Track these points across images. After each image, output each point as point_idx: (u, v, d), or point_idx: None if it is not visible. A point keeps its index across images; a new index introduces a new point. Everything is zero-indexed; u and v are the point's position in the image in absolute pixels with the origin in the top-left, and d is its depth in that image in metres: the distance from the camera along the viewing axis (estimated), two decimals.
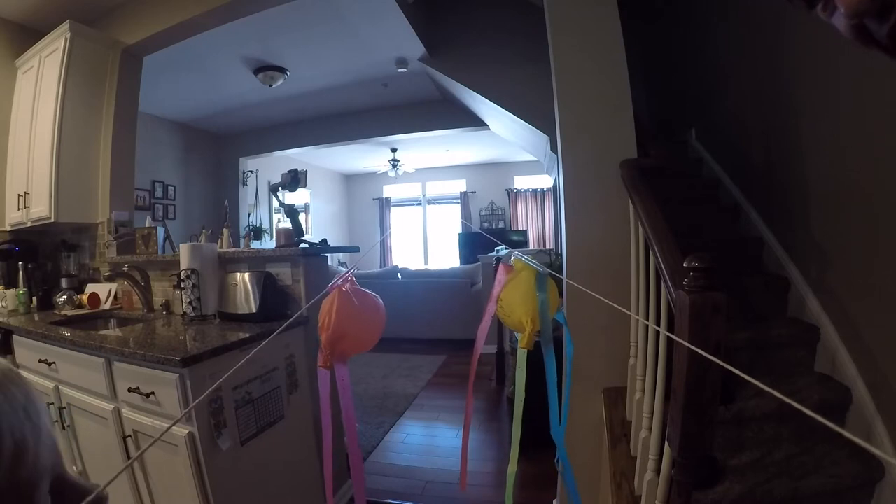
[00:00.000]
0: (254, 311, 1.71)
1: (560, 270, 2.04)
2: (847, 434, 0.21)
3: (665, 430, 1.01)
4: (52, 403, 1.65)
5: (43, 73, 2.43)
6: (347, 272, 0.46)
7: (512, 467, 0.45)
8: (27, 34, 2.64)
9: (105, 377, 1.46)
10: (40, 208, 2.35)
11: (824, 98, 1.60)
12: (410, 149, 6.57)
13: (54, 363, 1.65)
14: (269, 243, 5.42)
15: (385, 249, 8.64)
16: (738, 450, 1.32)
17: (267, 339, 0.46)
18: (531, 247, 7.38)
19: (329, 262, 2.15)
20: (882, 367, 1.33)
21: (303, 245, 1.87)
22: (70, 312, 2.10)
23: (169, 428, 0.35)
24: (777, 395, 0.25)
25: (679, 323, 0.84)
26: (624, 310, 0.36)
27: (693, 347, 0.28)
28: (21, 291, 2.23)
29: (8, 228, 2.60)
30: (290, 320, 1.08)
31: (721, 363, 0.27)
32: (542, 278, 0.44)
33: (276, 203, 5.73)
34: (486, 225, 8.04)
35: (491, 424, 2.82)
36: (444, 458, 2.37)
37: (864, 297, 1.44)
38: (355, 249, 2.56)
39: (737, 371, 0.27)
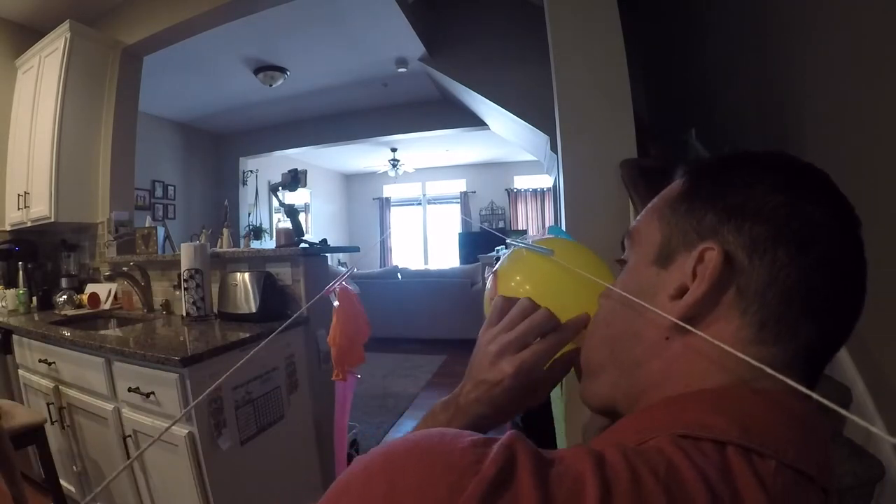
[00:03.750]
0: (254, 310, 1.71)
1: None
2: (855, 418, 0.22)
3: None
4: (52, 403, 1.65)
5: (43, 72, 2.43)
6: (342, 277, 0.46)
7: None
8: (27, 34, 2.64)
9: (105, 377, 1.46)
10: (40, 208, 2.35)
11: (826, 98, 1.60)
12: (410, 149, 6.56)
13: (54, 363, 1.64)
14: (269, 243, 5.41)
15: (385, 249, 8.63)
16: None
17: (267, 338, 0.46)
18: None
19: (329, 262, 2.15)
20: (882, 367, 1.33)
21: (303, 245, 1.87)
22: (70, 312, 2.09)
23: (169, 427, 0.35)
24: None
25: None
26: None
27: None
28: (21, 291, 2.23)
29: (8, 228, 2.60)
30: (289, 320, 1.08)
31: None
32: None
33: (276, 203, 5.73)
34: (485, 224, 8.04)
35: None
36: None
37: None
38: (355, 249, 2.56)
39: None
